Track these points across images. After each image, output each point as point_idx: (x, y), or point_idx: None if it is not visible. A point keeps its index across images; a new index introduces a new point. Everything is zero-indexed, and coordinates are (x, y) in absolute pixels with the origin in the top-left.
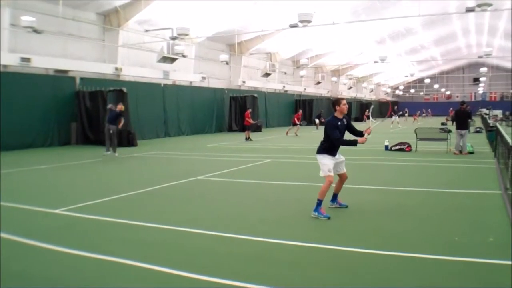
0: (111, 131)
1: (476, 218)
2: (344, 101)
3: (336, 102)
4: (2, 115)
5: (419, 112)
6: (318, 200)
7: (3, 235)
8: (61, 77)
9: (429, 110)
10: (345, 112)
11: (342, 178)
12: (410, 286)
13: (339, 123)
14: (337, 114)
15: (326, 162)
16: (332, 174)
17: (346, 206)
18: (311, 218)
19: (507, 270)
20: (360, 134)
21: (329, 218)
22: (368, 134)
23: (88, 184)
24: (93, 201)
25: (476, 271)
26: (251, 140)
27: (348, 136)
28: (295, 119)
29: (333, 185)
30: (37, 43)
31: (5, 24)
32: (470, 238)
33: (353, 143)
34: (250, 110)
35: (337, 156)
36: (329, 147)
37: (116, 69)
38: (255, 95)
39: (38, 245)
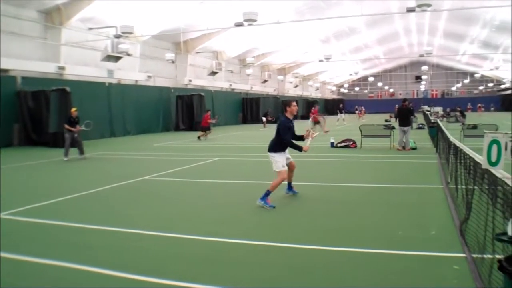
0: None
1: (419, 212)
2: (295, 103)
3: (287, 103)
4: None
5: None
6: (268, 191)
7: None
8: (1, 77)
9: (362, 107)
10: (295, 113)
11: (290, 167)
12: (355, 280)
13: (291, 124)
14: (288, 115)
15: (278, 159)
16: (285, 169)
17: (297, 193)
18: (258, 216)
19: (450, 262)
20: (299, 138)
21: (274, 207)
22: (311, 140)
23: (32, 186)
24: (36, 204)
25: (420, 264)
26: (200, 140)
27: None
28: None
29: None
30: None
31: None
32: (414, 232)
33: (299, 149)
34: (210, 111)
35: (286, 151)
36: (280, 145)
37: (59, 68)
38: (202, 93)
39: None
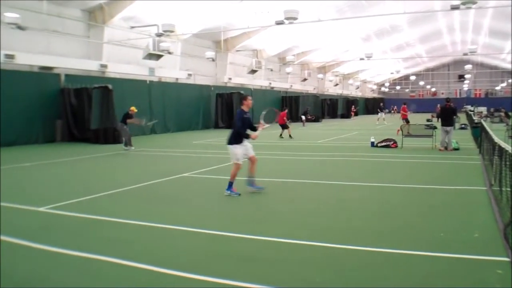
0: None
1: (462, 214)
2: (250, 97)
3: (243, 97)
4: None
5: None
6: (230, 181)
7: None
8: (45, 74)
9: (395, 107)
10: (250, 107)
11: (252, 160)
12: (397, 282)
13: (245, 115)
14: (244, 108)
15: (236, 152)
16: (240, 162)
17: (263, 188)
18: (299, 214)
19: (493, 266)
20: (254, 129)
21: (239, 195)
22: (262, 129)
23: (73, 181)
24: (77, 199)
25: (462, 267)
26: (291, 138)
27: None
28: (283, 119)
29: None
30: (21, 39)
31: None
32: (455, 234)
33: (248, 136)
34: (287, 109)
35: (244, 143)
36: (236, 136)
37: (102, 66)
38: (242, 92)
39: (22, 243)
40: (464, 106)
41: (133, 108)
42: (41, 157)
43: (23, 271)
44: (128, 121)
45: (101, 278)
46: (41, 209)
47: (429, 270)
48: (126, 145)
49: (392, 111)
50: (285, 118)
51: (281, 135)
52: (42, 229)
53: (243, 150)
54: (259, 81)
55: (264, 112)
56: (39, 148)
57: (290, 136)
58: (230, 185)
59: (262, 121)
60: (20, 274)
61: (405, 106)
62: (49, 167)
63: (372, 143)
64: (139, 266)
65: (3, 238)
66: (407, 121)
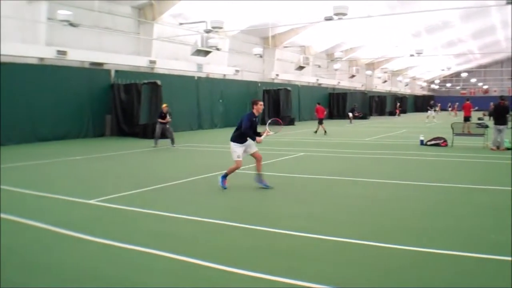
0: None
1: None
2: (261, 103)
3: (255, 102)
4: (38, 107)
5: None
6: (225, 173)
7: (42, 225)
8: (96, 70)
9: (456, 104)
10: (260, 112)
11: (256, 156)
12: (439, 282)
13: (254, 119)
14: (254, 111)
15: (236, 150)
16: (240, 159)
17: (271, 187)
18: (347, 213)
19: None
20: (258, 134)
21: (225, 188)
22: (266, 135)
23: (122, 175)
24: (126, 192)
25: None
26: (326, 134)
27: None
28: (321, 114)
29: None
30: (73, 36)
31: (43, 17)
32: (507, 236)
33: (253, 138)
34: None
35: (246, 143)
36: (240, 136)
37: (151, 62)
38: (289, 88)
39: (73, 235)
40: None
41: (164, 106)
42: (91, 151)
43: (73, 261)
44: (160, 120)
45: (146, 270)
46: (92, 201)
47: (482, 272)
48: (156, 142)
49: (449, 109)
50: (325, 113)
51: (316, 131)
52: (91, 221)
53: (244, 148)
54: (307, 78)
55: (269, 121)
56: (89, 142)
57: (325, 132)
58: (224, 176)
59: (268, 128)
60: (70, 264)
61: (469, 103)
62: (99, 161)
63: (422, 141)
64: (182, 258)
65: (56, 229)
66: (468, 119)
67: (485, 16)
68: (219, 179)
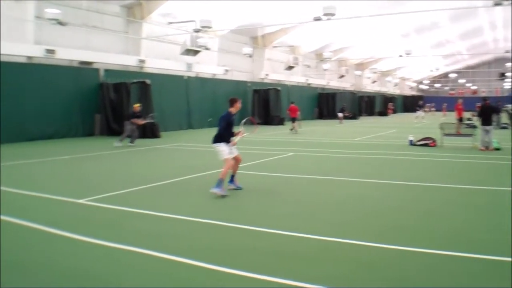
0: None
1: (501, 216)
2: (240, 101)
3: (234, 100)
4: (26, 106)
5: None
6: (220, 179)
7: (30, 224)
8: (85, 69)
9: (445, 104)
10: (238, 109)
11: (237, 160)
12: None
13: (232, 118)
14: (232, 110)
15: (223, 149)
16: (231, 156)
17: (241, 188)
18: (334, 212)
19: None
20: (233, 134)
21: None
22: (240, 137)
23: (111, 174)
24: (116, 192)
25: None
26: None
27: None
28: (294, 113)
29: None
30: (61, 35)
31: (30, 16)
32: (497, 235)
33: (230, 141)
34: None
35: (230, 144)
36: (222, 136)
37: (140, 61)
38: (278, 88)
39: (63, 234)
40: (505, 105)
41: (136, 106)
42: (80, 150)
43: (62, 261)
44: (133, 121)
45: (135, 269)
46: (81, 201)
47: (467, 271)
48: (121, 141)
49: (428, 110)
50: (298, 112)
51: (292, 129)
52: (80, 220)
53: (229, 147)
54: (296, 78)
55: (243, 121)
56: (78, 142)
57: (294, 130)
58: (220, 182)
59: (242, 129)
60: (58, 264)
61: (461, 103)
62: (88, 160)
63: (411, 141)
64: (173, 258)
65: (44, 229)
66: (461, 120)
67: (473, 17)
68: (213, 190)
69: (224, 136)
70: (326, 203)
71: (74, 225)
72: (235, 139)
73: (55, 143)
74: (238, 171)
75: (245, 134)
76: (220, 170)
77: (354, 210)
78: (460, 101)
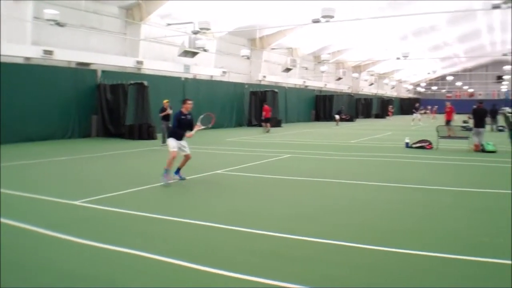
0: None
1: (499, 218)
2: (190, 101)
3: (184, 101)
4: (23, 107)
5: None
6: (166, 169)
7: (27, 226)
8: (83, 70)
9: (434, 107)
10: (190, 109)
11: (186, 157)
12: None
13: (183, 117)
14: (183, 110)
15: (171, 143)
16: (175, 150)
17: (184, 179)
18: (333, 215)
19: None
20: (191, 129)
21: (169, 184)
22: (196, 130)
23: (107, 176)
24: (112, 193)
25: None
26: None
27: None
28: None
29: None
30: (59, 36)
31: (29, 17)
32: (496, 238)
33: (183, 135)
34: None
35: (182, 142)
36: (175, 132)
37: (138, 62)
38: (276, 90)
39: (58, 236)
40: (502, 108)
41: (165, 102)
42: (76, 152)
43: (57, 263)
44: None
45: (132, 271)
46: (77, 202)
47: (470, 274)
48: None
49: (426, 112)
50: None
51: (268, 131)
52: (77, 222)
53: (178, 144)
54: (293, 80)
55: (201, 116)
56: (75, 143)
57: (267, 129)
58: (166, 172)
59: (199, 123)
60: (54, 266)
61: (449, 106)
62: (84, 162)
63: (407, 144)
64: (168, 260)
65: (39, 230)
66: (448, 123)
67: (471, 20)
68: (162, 181)
69: (175, 132)
70: (322, 206)
71: (70, 227)
72: (192, 132)
73: (52, 144)
74: (182, 167)
75: (201, 128)
76: (218, 171)
77: (350, 212)
78: (448, 104)
